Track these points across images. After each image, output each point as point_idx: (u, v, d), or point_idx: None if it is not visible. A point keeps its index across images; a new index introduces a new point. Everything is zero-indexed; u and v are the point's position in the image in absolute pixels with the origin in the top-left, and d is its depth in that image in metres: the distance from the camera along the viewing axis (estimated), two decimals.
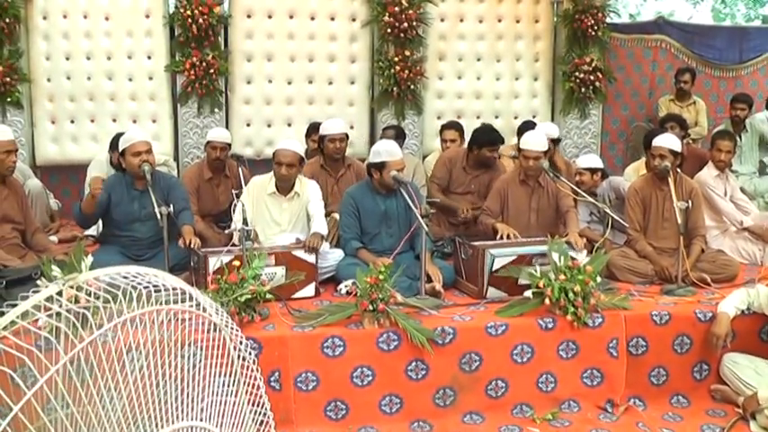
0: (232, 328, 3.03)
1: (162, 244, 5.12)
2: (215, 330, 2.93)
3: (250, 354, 3.10)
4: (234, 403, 2.92)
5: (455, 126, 7.52)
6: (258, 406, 3.10)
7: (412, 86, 8.28)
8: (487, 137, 6.59)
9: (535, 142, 5.79)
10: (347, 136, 6.53)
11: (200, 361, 2.80)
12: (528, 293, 4.76)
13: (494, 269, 5.05)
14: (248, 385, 3.06)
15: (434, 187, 6.75)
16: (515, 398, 4.62)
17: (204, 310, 2.77)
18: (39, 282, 4.35)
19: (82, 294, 2.47)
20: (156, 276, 2.61)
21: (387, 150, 5.45)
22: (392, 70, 8.18)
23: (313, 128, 7.22)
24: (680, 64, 9.18)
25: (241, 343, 3.06)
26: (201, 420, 2.71)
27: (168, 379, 2.57)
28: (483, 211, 5.95)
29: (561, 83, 8.81)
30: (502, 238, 5.49)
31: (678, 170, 5.76)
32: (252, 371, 3.06)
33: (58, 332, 2.29)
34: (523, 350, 4.64)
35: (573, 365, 4.71)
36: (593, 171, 6.38)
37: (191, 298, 2.75)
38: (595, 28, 8.61)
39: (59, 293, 2.37)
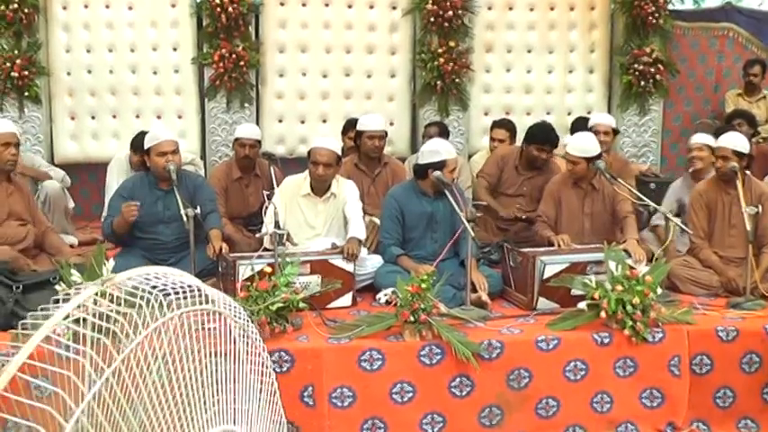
0: (254, 339, 3.08)
1: (187, 248, 5.17)
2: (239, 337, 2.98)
3: (268, 367, 3.16)
4: (259, 408, 2.98)
5: (506, 125, 7.51)
6: (276, 414, 3.15)
7: (457, 80, 8.30)
8: (537, 134, 6.59)
9: (578, 146, 5.78)
10: (386, 133, 6.56)
11: (228, 365, 2.84)
12: (582, 305, 4.74)
13: (545, 278, 5.04)
14: (268, 394, 3.12)
15: (482, 183, 6.77)
16: (567, 419, 4.61)
17: (227, 314, 2.80)
18: (57, 287, 4.43)
19: (104, 300, 2.52)
20: (183, 278, 2.65)
21: (447, 149, 5.49)
22: (435, 62, 8.20)
23: (350, 124, 7.28)
24: (749, 55, 9.08)
25: (262, 352, 3.11)
26: (234, 424, 2.77)
27: (201, 384, 2.62)
28: (538, 218, 5.95)
29: (618, 76, 8.76)
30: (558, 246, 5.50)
31: (746, 172, 5.70)
32: (271, 382, 3.11)
33: (104, 333, 2.35)
34: (577, 367, 4.62)
35: (630, 384, 4.68)
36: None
37: (213, 302, 2.79)
38: (656, 15, 8.55)
39: (99, 294, 2.43)
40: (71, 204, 7.12)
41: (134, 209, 5.34)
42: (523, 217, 6.49)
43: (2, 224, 5.49)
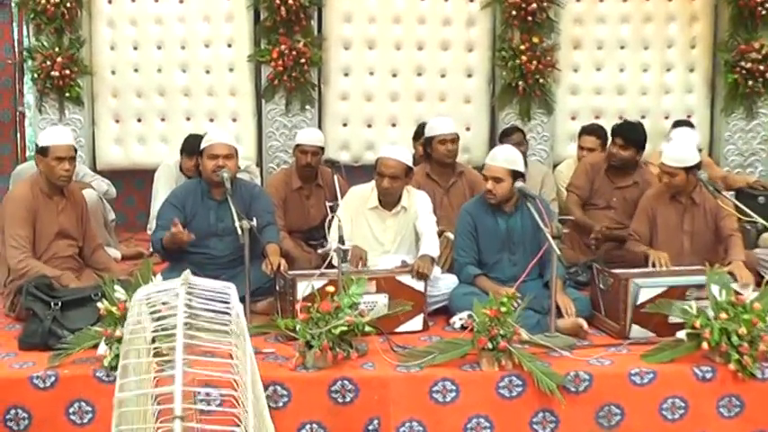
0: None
1: (242, 264, 5.24)
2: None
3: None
4: None
5: (596, 131, 7.43)
6: None
7: (541, 80, 8.28)
8: (618, 129, 6.67)
9: (675, 155, 5.72)
10: (458, 136, 6.59)
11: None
12: (681, 334, 4.71)
13: (639, 303, 5.02)
14: None
15: (573, 199, 6.75)
16: None
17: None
18: (99, 304, 4.54)
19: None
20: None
21: (521, 159, 5.53)
22: (517, 60, 8.20)
23: (422, 129, 7.24)
24: None
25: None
26: None
27: None
28: (630, 237, 5.92)
29: (723, 74, 8.64)
30: (654, 265, 5.46)
31: None
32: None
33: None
34: (675, 405, 4.59)
35: (736, 426, 4.63)
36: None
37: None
38: (766, 6, 8.45)
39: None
40: (111, 216, 7.24)
41: (185, 236, 5.37)
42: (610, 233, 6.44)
43: (50, 244, 5.59)
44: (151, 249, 6.10)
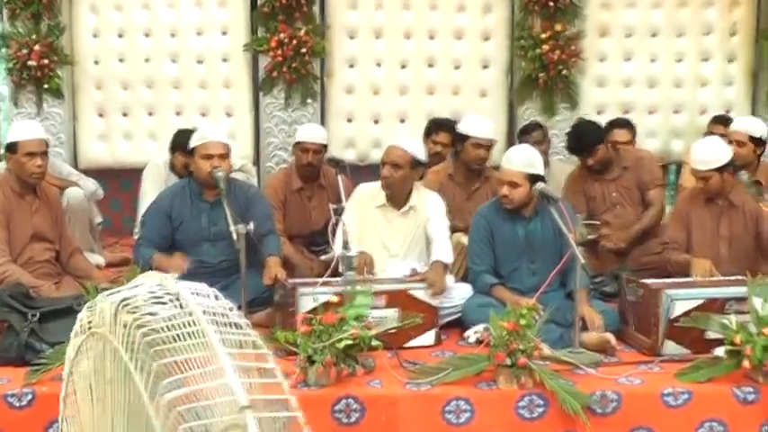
0: None
1: (237, 271, 5.25)
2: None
3: None
4: None
5: (628, 124, 7.46)
6: None
7: (564, 71, 8.30)
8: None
9: (704, 157, 5.70)
10: (494, 143, 6.62)
11: None
12: (719, 351, 4.69)
13: (673, 317, 5.00)
14: None
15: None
16: None
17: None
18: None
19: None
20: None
21: (539, 160, 5.52)
22: (538, 50, 8.21)
23: (435, 126, 7.28)
24: None
25: None
26: None
27: None
28: (666, 246, 5.90)
29: (766, 65, 8.65)
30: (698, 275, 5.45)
31: None
32: None
33: None
34: (713, 429, 4.56)
35: None
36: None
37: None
38: None
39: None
40: (98, 219, 7.26)
41: (183, 264, 5.38)
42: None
43: (24, 247, 5.61)
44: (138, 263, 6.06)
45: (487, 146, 6.48)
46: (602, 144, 6.57)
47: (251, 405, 2.24)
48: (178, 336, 2.46)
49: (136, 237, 6.55)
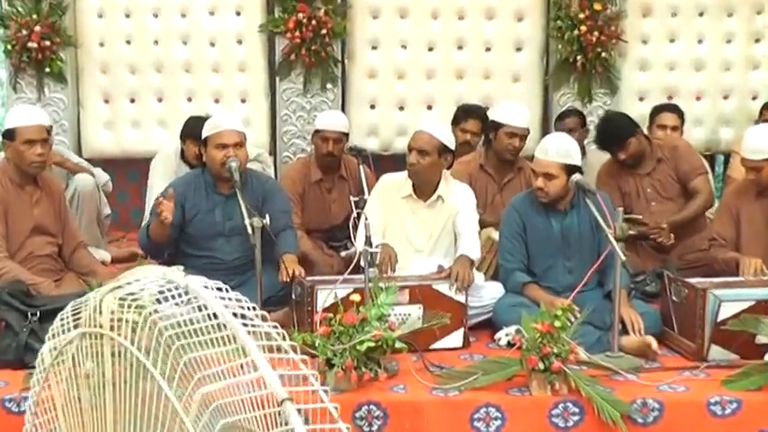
0: None
1: (252, 268, 5.28)
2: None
3: None
4: None
5: (676, 108, 7.46)
6: None
7: (603, 54, 8.28)
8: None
9: (757, 146, 5.68)
10: (529, 132, 6.61)
11: None
12: None
13: (720, 319, 4.99)
14: None
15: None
16: None
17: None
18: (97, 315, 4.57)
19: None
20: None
21: (576, 150, 5.51)
22: (575, 31, 8.20)
23: (464, 112, 7.28)
24: None
25: None
26: None
27: None
28: (712, 242, 5.89)
29: None
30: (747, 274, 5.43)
31: None
32: None
33: None
34: None
35: None
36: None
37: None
38: None
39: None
40: (107, 211, 7.30)
41: (169, 206, 5.36)
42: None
43: (24, 241, 5.64)
44: (141, 248, 6.08)
45: (522, 135, 6.46)
46: (633, 137, 6.56)
47: (291, 397, 2.25)
48: (199, 330, 2.48)
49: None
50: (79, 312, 2.85)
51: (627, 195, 6.66)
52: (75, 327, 2.84)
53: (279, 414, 2.28)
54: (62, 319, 2.91)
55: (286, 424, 2.24)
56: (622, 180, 6.68)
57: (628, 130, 6.60)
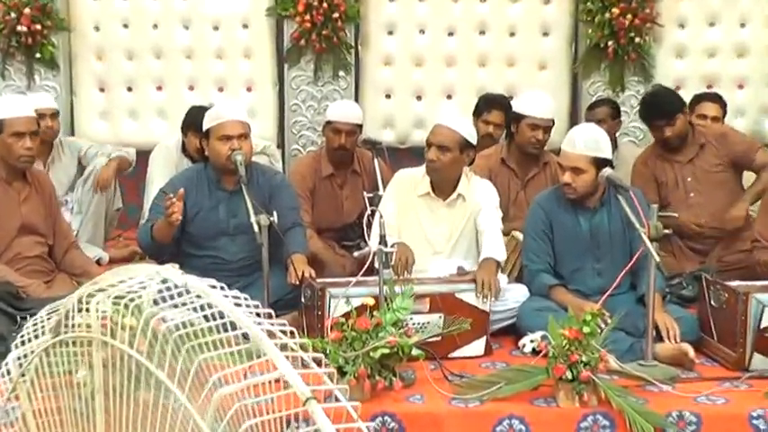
0: None
1: (259, 269, 5.30)
2: None
3: None
4: None
5: (719, 98, 7.46)
6: None
7: (637, 39, 8.27)
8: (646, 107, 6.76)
9: None
10: (554, 123, 6.61)
11: None
12: None
13: (763, 325, 4.99)
14: None
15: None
16: None
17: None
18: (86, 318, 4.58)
19: None
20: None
21: (606, 142, 5.50)
22: (607, 15, 8.20)
23: (486, 103, 7.25)
24: None
25: None
26: None
27: None
28: (756, 244, 5.88)
29: None
30: None
31: None
32: None
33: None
34: None
35: None
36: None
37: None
38: None
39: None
40: (118, 204, 7.41)
41: (178, 206, 5.35)
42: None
43: (11, 241, 5.64)
44: (142, 248, 6.08)
45: (545, 127, 6.46)
46: (682, 113, 6.57)
47: (315, 396, 2.26)
48: (207, 330, 2.48)
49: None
50: (58, 316, 2.84)
51: (664, 185, 6.68)
52: (54, 332, 2.84)
53: (294, 417, 2.29)
54: (35, 324, 2.90)
55: (307, 423, 2.25)
56: (660, 169, 6.70)
57: (677, 105, 6.64)
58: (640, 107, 6.95)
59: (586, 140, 5.42)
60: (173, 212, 5.32)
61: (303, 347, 2.45)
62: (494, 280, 5.29)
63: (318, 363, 2.46)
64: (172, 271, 2.68)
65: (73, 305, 2.76)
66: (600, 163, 5.41)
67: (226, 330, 2.45)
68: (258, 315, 2.48)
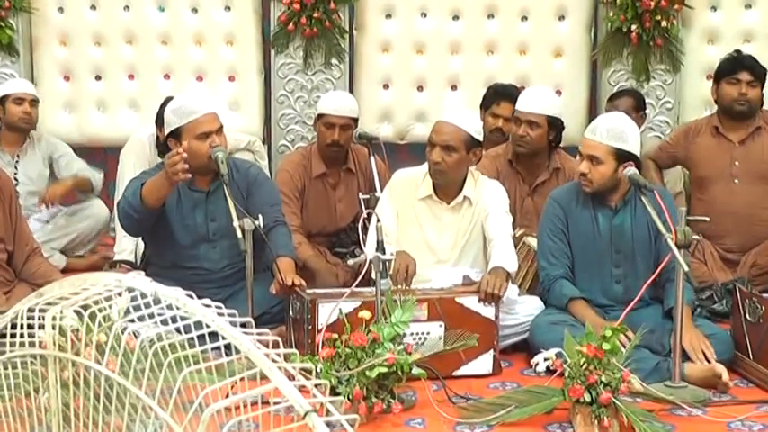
0: None
1: (242, 279, 5.31)
2: None
3: None
4: None
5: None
6: None
7: (664, 23, 8.28)
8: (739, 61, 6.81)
9: None
10: (546, 121, 6.56)
11: None
12: None
13: None
14: None
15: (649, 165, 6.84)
16: None
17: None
18: (40, 333, 4.58)
19: None
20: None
21: (634, 133, 5.48)
22: None
23: (495, 94, 7.25)
24: None
25: None
26: None
27: None
28: None
29: None
30: None
31: None
32: None
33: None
34: None
35: None
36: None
37: None
38: None
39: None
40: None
41: (180, 160, 5.23)
42: None
43: None
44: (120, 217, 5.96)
45: (528, 121, 6.30)
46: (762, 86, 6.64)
47: (315, 408, 2.27)
48: (186, 343, 2.48)
49: (114, 234, 6.66)
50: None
51: (710, 164, 6.74)
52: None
53: None
54: None
55: None
56: (712, 146, 6.77)
57: (765, 69, 6.68)
58: (725, 60, 6.92)
59: (610, 129, 5.37)
60: (178, 168, 5.22)
61: (288, 359, 2.46)
62: (500, 283, 5.23)
63: (309, 373, 2.47)
64: (138, 279, 2.66)
65: (21, 318, 2.72)
66: (621, 156, 5.34)
67: (204, 343, 2.46)
68: (242, 325, 2.49)
